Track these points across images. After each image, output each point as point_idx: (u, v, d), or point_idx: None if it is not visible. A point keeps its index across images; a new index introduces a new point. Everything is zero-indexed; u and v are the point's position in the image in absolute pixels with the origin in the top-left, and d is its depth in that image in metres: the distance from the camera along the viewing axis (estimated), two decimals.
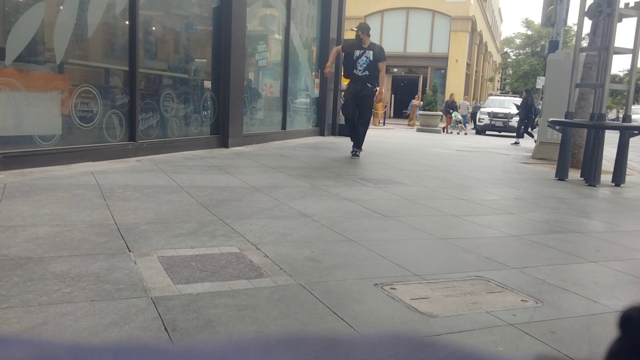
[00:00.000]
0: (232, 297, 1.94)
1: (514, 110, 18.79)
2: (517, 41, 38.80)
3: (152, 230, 2.75)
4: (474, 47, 31.71)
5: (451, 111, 18.80)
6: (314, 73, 10.12)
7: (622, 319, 0.25)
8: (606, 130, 6.07)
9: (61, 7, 4.74)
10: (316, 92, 10.23)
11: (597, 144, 5.96)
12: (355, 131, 6.85)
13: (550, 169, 7.04)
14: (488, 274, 2.44)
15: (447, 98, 21.52)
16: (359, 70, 6.68)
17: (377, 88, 6.84)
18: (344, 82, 12.40)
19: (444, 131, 18.52)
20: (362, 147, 7.06)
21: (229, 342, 0.19)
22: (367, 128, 7.07)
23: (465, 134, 17.81)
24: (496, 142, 14.50)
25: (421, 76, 29.24)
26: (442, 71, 28.40)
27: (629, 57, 6.03)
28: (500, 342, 1.75)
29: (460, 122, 18.72)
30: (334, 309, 1.91)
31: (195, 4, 6.62)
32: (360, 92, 6.70)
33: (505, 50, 43.05)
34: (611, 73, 6.09)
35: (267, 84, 8.71)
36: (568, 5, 11.79)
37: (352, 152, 6.94)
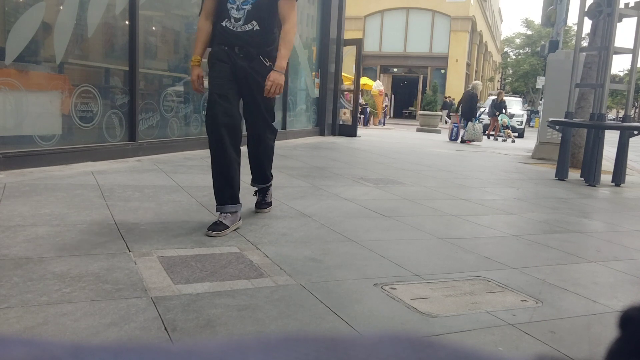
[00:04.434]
0: (232, 297, 1.94)
1: (514, 110, 18.81)
2: (517, 41, 38.81)
3: (152, 230, 2.75)
4: (474, 47, 31.72)
5: (497, 113, 15.17)
6: (314, 73, 10.13)
7: (622, 319, 0.25)
8: (606, 130, 6.07)
9: (61, 7, 4.73)
10: (316, 92, 10.24)
11: (597, 144, 5.96)
12: (232, 160, 2.96)
13: (550, 169, 7.04)
14: (488, 274, 2.44)
15: (461, 95, 20.03)
16: (237, 22, 2.91)
17: (278, 63, 2.93)
18: (346, 83, 12.50)
19: (488, 137, 15.21)
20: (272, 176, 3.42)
21: (229, 342, 0.19)
22: (272, 148, 3.28)
23: (513, 141, 14.71)
24: (496, 142, 14.49)
25: (421, 76, 29.27)
26: (442, 71, 28.41)
27: (629, 57, 6.03)
28: (500, 342, 1.75)
29: (507, 127, 15.33)
30: (334, 309, 1.91)
31: (195, 4, 6.62)
32: (245, 70, 2.94)
33: (505, 50, 43.07)
34: (611, 73, 6.09)
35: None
36: (568, 5, 11.79)
37: (255, 195, 3.40)
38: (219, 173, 2.95)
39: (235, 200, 2.94)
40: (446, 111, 21.49)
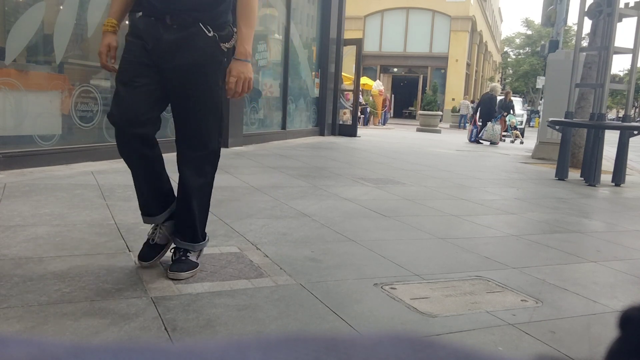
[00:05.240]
0: (232, 297, 1.94)
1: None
2: (517, 41, 38.85)
3: None
4: (474, 47, 31.72)
5: (505, 114, 13.75)
6: (314, 73, 10.13)
7: (622, 319, 0.25)
8: (606, 130, 6.07)
9: (61, 7, 4.74)
10: (316, 92, 10.24)
11: (597, 144, 5.96)
12: (152, 181, 2.20)
13: (550, 169, 7.04)
14: (488, 274, 2.44)
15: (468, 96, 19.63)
16: None
17: (234, 41, 2.05)
18: (346, 83, 12.50)
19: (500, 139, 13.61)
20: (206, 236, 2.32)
21: (229, 342, 0.19)
22: (208, 186, 2.22)
23: (521, 142, 13.97)
24: (503, 142, 14.46)
25: (421, 76, 29.26)
26: (442, 71, 28.41)
27: (629, 57, 6.03)
28: (500, 342, 1.75)
29: (515, 128, 14.56)
30: (334, 308, 1.91)
31: None
32: (172, 45, 1.99)
33: (505, 50, 43.07)
34: (611, 73, 6.09)
35: (267, 84, 8.71)
36: (568, 5, 11.80)
37: (172, 256, 2.19)
38: (139, 191, 2.20)
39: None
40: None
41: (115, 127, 2.00)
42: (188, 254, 2.16)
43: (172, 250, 2.20)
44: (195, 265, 2.16)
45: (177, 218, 2.20)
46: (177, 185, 2.23)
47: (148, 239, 2.19)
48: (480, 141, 12.60)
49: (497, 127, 12.61)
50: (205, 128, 2.09)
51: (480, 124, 13.03)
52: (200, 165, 2.15)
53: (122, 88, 1.99)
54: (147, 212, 2.19)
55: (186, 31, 1.99)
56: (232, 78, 2.00)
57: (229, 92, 2.03)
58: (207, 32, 1.99)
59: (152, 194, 2.16)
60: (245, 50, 2.02)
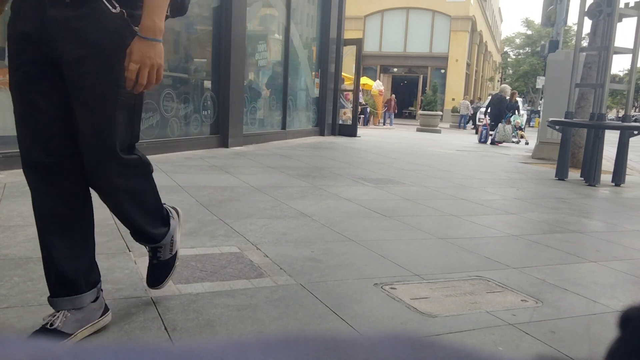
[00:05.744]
0: (232, 297, 1.94)
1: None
2: (517, 41, 38.87)
3: None
4: (474, 47, 31.73)
5: (510, 114, 13.10)
6: (314, 73, 10.14)
7: (622, 319, 0.25)
8: (606, 130, 6.07)
9: None
10: (316, 92, 10.25)
11: (597, 144, 5.96)
12: (59, 225, 1.54)
13: (550, 169, 7.04)
14: (488, 273, 2.44)
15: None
16: None
17: (145, 21, 1.38)
18: (346, 83, 12.50)
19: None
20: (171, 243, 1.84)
21: (229, 341, 0.19)
22: (142, 191, 1.66)
23: (527, 143, 13.42)
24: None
25: (421, 76, 29.27)
26: (442, 71, 28.42)
27: (629, 57, 6.03)
28: (500, 342, 1.75)
29: (520, 128, 14.09)
30: (334, 308, 1.91)
31: (195, 3, 6.63)
32: (59, 26, 1.39)
33: (505, 50, 43.09)
34: (611, 73, 6.09)
35: (267, 84, 8.72)
36: (568, 5, 11.80)
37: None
38: (41, 240, 1.59)
39: (72, 288, 1.58)
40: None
41: (26, 159, 1.51)
42: (159, 256, 1.83)
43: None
44: (171, 265, 1.85)
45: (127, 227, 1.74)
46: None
47: (45, 324, 1.54)
48: (494, 143, 12.55)
49: (508, 127, 12.64)
50: (115, 133, 1.52)
51: (489, 123, 13.05)
52: (105, 172, 1.56)
53: (23, 99, 1.50)
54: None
55: (83, 7, 1.40)
56: (132, 64, 1.39)
57: (128, 83, 1.42)
58: (108, 7, 1.40)
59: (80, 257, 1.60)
60: (154, 24, 1.40)
